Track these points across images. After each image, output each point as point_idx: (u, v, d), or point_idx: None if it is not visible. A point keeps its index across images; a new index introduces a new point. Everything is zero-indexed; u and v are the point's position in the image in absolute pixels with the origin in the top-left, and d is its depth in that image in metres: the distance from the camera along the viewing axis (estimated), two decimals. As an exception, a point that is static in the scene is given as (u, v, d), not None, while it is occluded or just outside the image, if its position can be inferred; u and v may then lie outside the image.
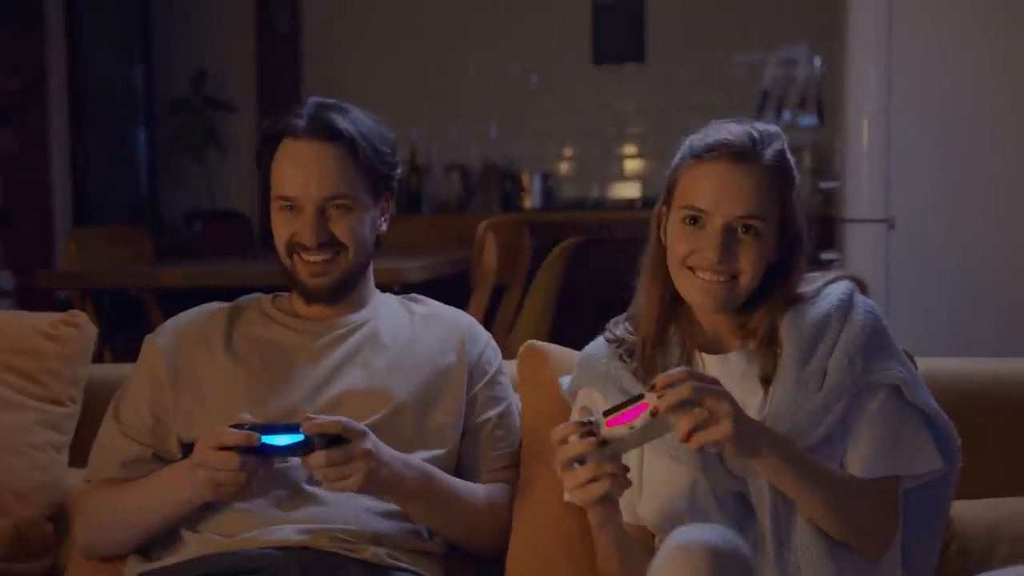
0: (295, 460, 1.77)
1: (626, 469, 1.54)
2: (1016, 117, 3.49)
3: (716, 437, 1.48)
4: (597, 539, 1.67)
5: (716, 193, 1.65)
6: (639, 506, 1.73)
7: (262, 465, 1.70)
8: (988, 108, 3.51)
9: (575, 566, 1.85)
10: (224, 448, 1.68)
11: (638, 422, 1.49)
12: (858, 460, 1.63)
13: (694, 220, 1.67)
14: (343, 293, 1.96)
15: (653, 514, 1.70)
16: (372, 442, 1.72)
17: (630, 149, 6.55)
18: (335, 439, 1.68)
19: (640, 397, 1.51)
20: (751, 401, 1.67)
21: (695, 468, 1.66)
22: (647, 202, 6.22)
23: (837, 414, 1.63)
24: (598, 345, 1.81)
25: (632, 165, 6.56)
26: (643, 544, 1.73)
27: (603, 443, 1.51)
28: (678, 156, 1.71)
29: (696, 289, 1.67)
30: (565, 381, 1.88)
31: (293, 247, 1.92)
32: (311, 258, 1.91)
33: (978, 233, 3.53)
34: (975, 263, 3.52)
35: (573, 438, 1.53)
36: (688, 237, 1.67)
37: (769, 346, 1.69)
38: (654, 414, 1.48)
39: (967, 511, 1.85)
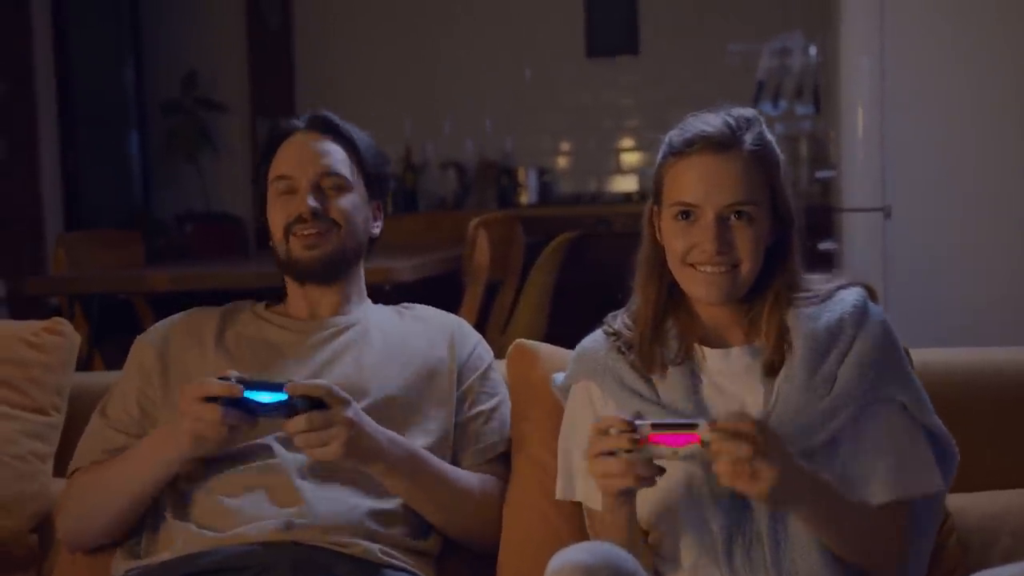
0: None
1: (660, 471, 1.53)
2: (1011, 104, 3.49)
3: (749, 493, 1.49)
4: (604, 514, 1.66)
5: (703, 186, 1.66)
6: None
7: (244, 420, 1.71)
8: (982, 95, 3.51)
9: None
10: (208, 400, 1.69)
11: (683, 451, 1.49)
12: (871, 487, 1.62)
13: (686, 215, 1.68)
14: (335, 273, 1.99)
15: (647, 512, 1.68)
16: (354, 411, 1.73)
17: (627, 142, 6.53)
18: (318, 404, 1.69)
19: (694, 426, 1.49)
20: (753, 398, 1.68)
21: (693, 464, 1.65)
22: (645, 195, 6.13)
23: (843, 420, 1.63)
24: (596, 338, 1.81)
25: (629, 158, 6.53)
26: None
27: (639, 451, 1.51)
28: (660, 154, 1.73)
29: (700, 283, 1.68)
30: (558, 377, 1.86)
31: (289, 227, 1.96)
32: (306, 230, 1.95)
33: (974, 221, 3.52)
34: (971, 251, 3.51)
35: (614, 431, 1.52)
36: (683, 233, 1.68)
37: (777, 343, 1.69)
38: (704, 444, 1.47)
39: (967, 504, 1.83)
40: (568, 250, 4.74)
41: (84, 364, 2.26)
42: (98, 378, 2.30)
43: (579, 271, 4.90)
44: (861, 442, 1.64)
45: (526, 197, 6.35)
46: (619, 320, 1.79)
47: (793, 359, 1.66)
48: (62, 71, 5.96)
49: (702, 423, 1.48)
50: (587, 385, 1.78)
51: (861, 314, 1.69)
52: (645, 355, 1.73)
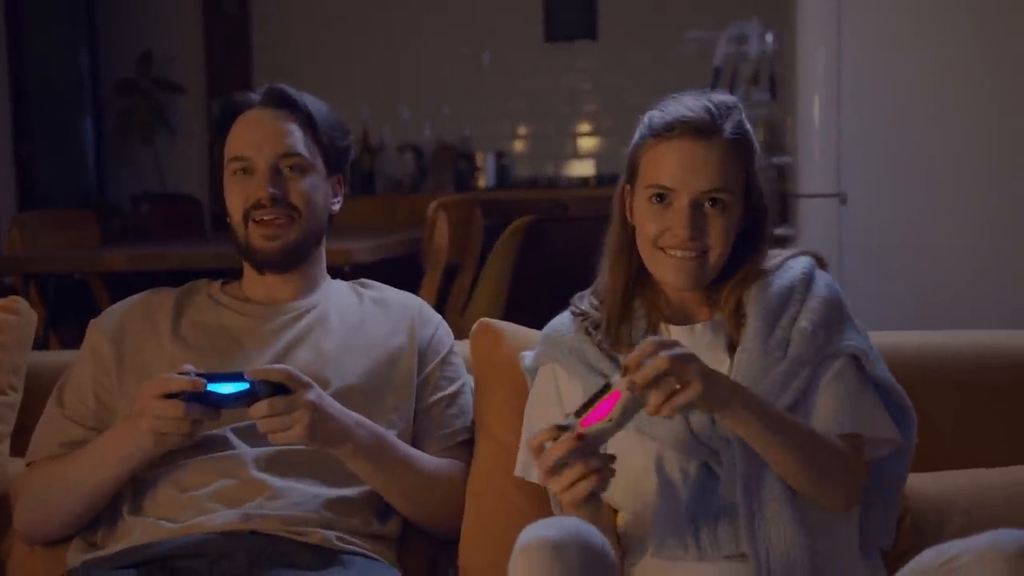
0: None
1: (612, 459, 1.52)
2: (964, 93, 3.52)
3: (689, 399, 1.48)
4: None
5: (681, 171, 1.67)
6: None
7: (207, 414, 1.69)
8: (937, 84, 3.54)
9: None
10: (169, 396, 1.66)
11: (616, 411, 1.47)
12: (821, 419, 1.66)
13: (660, 198, 1.69)
14: (295, 261, 1.95)
15: (618, 494, 1.68)
16: (316, 394, 1.72)
17: (584, 127, 6.54)
18: (280, 389, 1.67)
19: (607, 388, 1.49)
20: (718, 370, 1.66)
21: (662, 443, 1.67)
22: (602, 180, 6.21)
23: (803, 380, 1.66)
24: (562, 320, 1.81)
25: (586, 143, 6.55)
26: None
27: (582, 440, 1.48)
28: (638, 135, 1.73)
29: (669, 268, 1.69)
30: (527, 356, 1.87)
31: (248, 212, 1.91)
32: (266, 217, 1.91)
33: (929, 208, 3.56)
34: (925, 237, 3.55)
35: (549, 444, 1.49)
36: (656, 216, 1.69)
37: (735, 316, 1.72)
38: (631, 390, 1.45)
39: (920, 485, 1.85)
40: (525, 234, 4.75)
41: (40, 346, 2.22)
42: (55, 357, 2.27)
43: (536, 255, 4.91)
44: (814, 391, 1.67)
45: (483, 181, 6.36)
46: (585, 300, 1.80)
47: (748, 330, 1.69)
48: (15, 51, 5.88)
49: (613, 377, 1.48)
50: (553, 368, 1.79)
51: (809, 279, 1.73)
52: (613, 334, 1.74)
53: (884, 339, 1.90)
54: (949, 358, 2.01)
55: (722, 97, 1.73)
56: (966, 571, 1.36)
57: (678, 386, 1.47)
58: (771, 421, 1.58)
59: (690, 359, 1.50)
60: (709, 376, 1.51)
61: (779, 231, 3.77)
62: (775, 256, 1.78)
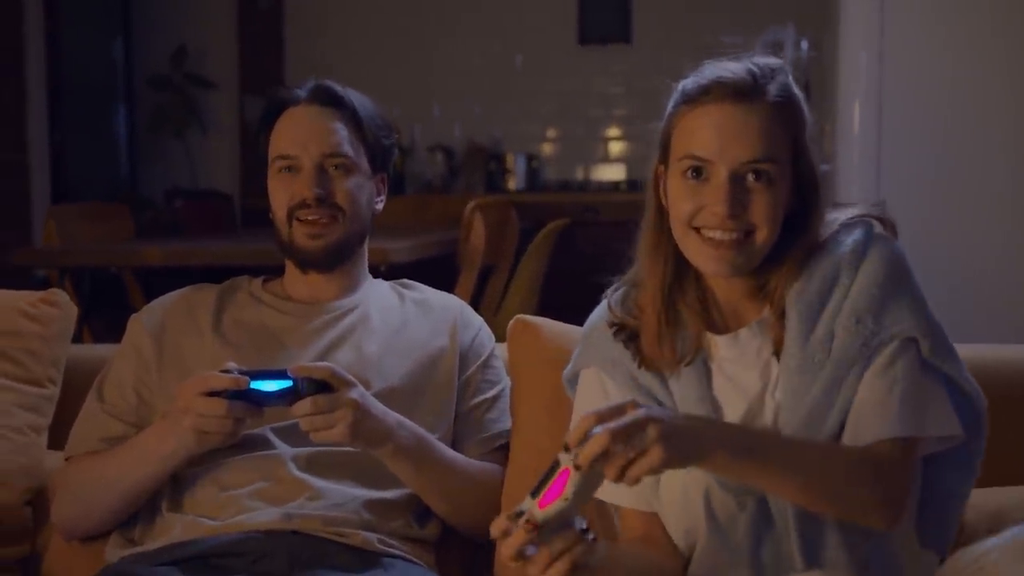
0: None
1: (583, 532, 1.33)
2: (1008, 102, 3.48)
3: (650, 465, 1.27)
4: None
5: (718, 138, 1.45)
6: (656, 501, 1.59)
7: (250, 412, 1.67)
8: (980, 92, 3.50)
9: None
10: (211, 394, 1.65)
11: (569, 489, 1.30)
12: (849, 424, 1.44)
13: (696, 172, 1.47)
14: (338, 261, 1.94)
15: (676, 532, 1.57)
16: (359, 393, 1.70)
17: (615, 131, 6.52)
18: (323, 387, 1.66)
19: (556, 465, 1.32)
20: (764, 383, 1.51)
21: (707, 476, 1.49)
22: (632, 184, 6.19)
23: (850, 388, 1.45)
24: (601, 326, 1.62)
25: (617, 147, 6.53)
26: (644, 539, 1.61)
27: (544, 525, 1.32)
28: (671, 103, 1.52)
29: (706, 253, 1.47)
30: (568, 373, 1.70)
31: (292, 211, 1.90)
32: (310, 216, 1.89)
33: (970, 218, 3.52)
34: (966, 248, 3.51)
35: (511, 531, 1.33)
36: (691, 192, 1.47)
37: (780, 314, 1.50)
38: (576, 468, 1.29)
39: (971, 500, 1.82)
40: (556, 237, 4.73)
41: (74, 340, 2.22)
42: (94, 351, 2.27)
43: (566, 259, 4.89)
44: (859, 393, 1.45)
45: (513, 183, 6.34)
46: (619, 299, 1.61)
47: (788, 332, 1.48)
48: (52, 44, 5.90)
49: (560, 455, 1.31)
50: (599, 373, 1.62)
51: (860, 255, 1.48)
52: (655, 355, 1.54)
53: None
54: (999, 372, 1.97)
55: (767, 59, 1.50)
56: (997, 563, 1.30)
57: (632, 455, 1.27)
58: (759, 455, 1.37)
59: (640, 424, 1.27)
60: (672, 435, 1.28)
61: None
62: (829, 225, 1.53)
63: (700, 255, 1.49)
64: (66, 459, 1.91)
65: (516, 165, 6.36)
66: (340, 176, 1.90)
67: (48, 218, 4.12)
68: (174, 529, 1.77)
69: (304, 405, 1.65)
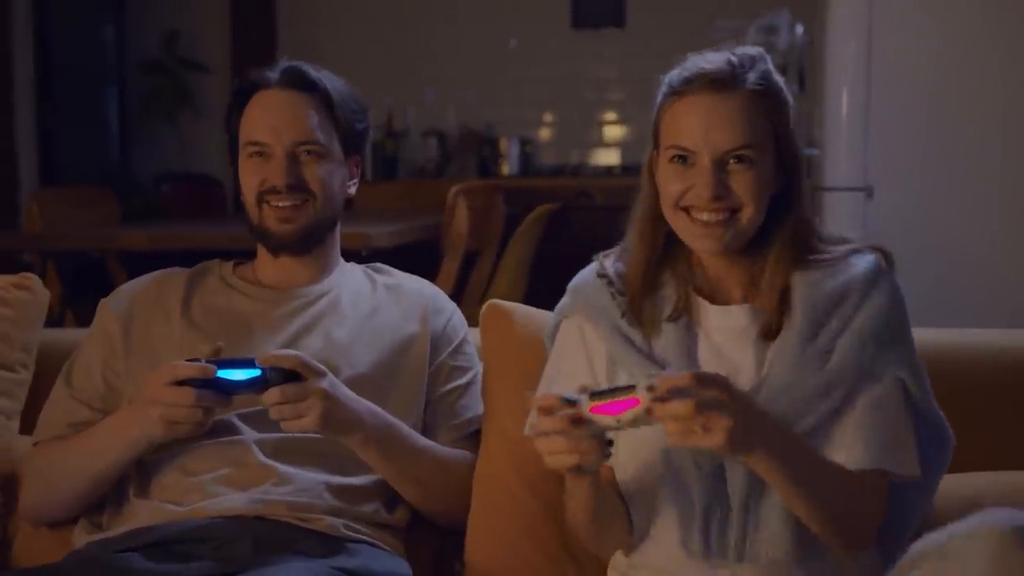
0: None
1: (608, 444, 1.43)
2: (994, 89, 3.48)
3: (708, 446, 1.37)
4: (568, 491, 1.58)
5: (701, 128, 1.55)
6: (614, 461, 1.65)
7: (218, 401, 1.66)
8: (968, 79, 3.51)
9: (532, 536, 1.83)
10: (179, 383, 1.64)
11: (626, 417, 1.37)
12: (855, 447, 1.54)
13: (683, 159, 1.57)
14: (309, 245, 1.92)
15: (626, 484, 1.63)
16: (329, 382, 1.69)
17: (610, 115, 6.50)
18: (292, 376, 1.65)
19: (631, 388, 1.38)
20: (746, 359, 1.60)
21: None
22: (627, 169, 6.17)
23: (835, 401, 1.54)
24: (590, 279, 1.70)
25: (612, 132, 6.51)
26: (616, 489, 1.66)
27: (581, 422, 1.41)
28: (659, 95, 1.62)
29: (695, 232, 1.58)
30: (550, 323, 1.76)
31: (262, 195, 1.89)
32: (280, 203, 1.88)
33: (956, 203, 3.53)
34: (952, 233, 3.51)
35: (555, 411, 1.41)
36: (679, 176, 1.57)
37: (776, 306, 1.59)
38: (648, 412, 1.36)
39: (945, 486, 1.80)
40: (549, 222, 4.71)
41: (57, 324, 2.21)
42: (66, 335, 2.26)
43: (560, 244, 4.87)
44: (850, 409, 1.55)
45: (507, 167, 6.32)
46: (611, 262, 1.69)
47: (791, 327, 1.57)
48: (41, 26, 5.87)
49: (640, 386, 1.37)
50: (580, 323, 1.69)
51: (870, 283, 1.58)
52: (636, 311, 1.64)
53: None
54: (979, 357, 1.96)
55: (746, 49, 1.60)
56: (960, 550, 1.30)
57: (697, 428, 1.35)
58: (794, 468, 1.46)
59: (723, 409, 1.36)
60: (737, 430, 1.36)
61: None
62: (838, 248, 1.63)
63: (690, 234, 1.59)
64: (34, 444, 1.90)
65: (510, 150, 6.34)
66: (311, 162, 1.89)
67: (31, 202, 4.09)
68: (140, 514, 1.76)
69: (273, 395, 1.65)
